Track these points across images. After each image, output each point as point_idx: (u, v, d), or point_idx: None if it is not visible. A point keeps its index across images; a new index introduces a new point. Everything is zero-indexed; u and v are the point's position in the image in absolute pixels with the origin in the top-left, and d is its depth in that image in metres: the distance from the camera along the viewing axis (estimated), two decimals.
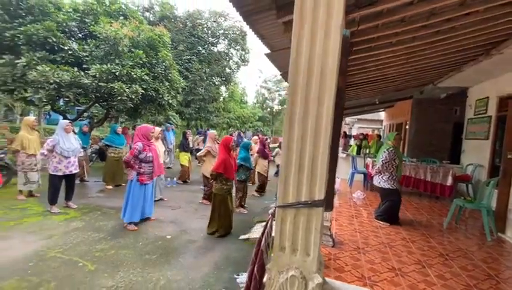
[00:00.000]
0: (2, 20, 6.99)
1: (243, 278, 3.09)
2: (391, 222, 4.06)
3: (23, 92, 7.10)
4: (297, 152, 1.12)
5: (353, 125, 21.06)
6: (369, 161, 6.71)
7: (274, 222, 1.18)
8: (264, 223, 4.75)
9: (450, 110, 7.87)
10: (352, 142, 11.70)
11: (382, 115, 15.73)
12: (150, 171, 4.37)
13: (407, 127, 9.18)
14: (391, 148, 4.09)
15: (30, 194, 5.45)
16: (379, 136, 9.78)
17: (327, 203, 1.17)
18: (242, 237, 4.28)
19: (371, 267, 2.68)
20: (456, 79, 5.89)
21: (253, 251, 1.35)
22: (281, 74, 5.04)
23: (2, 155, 6.17)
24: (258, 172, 7.26)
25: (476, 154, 6.10)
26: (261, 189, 7.30)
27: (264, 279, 1.19)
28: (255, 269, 1.21)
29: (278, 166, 10.27)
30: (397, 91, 7.52)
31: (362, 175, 6.94)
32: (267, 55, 3.81)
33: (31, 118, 5.72)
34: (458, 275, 2.64)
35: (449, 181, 5.48)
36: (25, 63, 6.68)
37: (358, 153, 8.48)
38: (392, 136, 4.25)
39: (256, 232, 4.43)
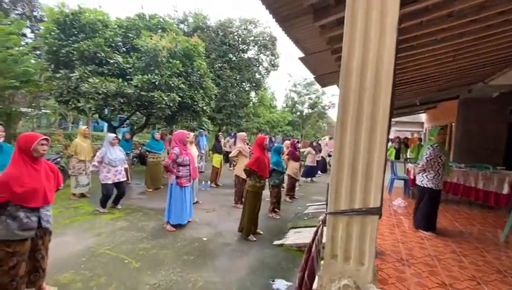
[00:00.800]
0: (58, 39, 7.87)
1: (279, 284, 3.06)
2: (431, 230, 3.78)
3: (76, 102, 7.88)
4: (350, 157, 1.07)
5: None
6: (410, 166, 6.29)
7: (325, 229, 1.15)
8: (298, 229, 4.69)
9: (504, 110, 7.10)
10: (389, 145, 11.10)
11: (423, 116, 14.70)
12: (187, 174, 4.57)
13: (452, 129, 8.46)
14: (435, 144, 3.80)
15: (82, 195, 6.01)
16: (420, 140, 9.15)
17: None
18: (276, 242, 4.25)
19: (418, 281, 2.49)
20: (510, 76, 5.32)
21: (303, 257, 1.33)
22: (314, 77, 4.99)
23: (58, 159, 6.87)
24: (289, 174, 7.15)
25: None
26: (291, 192, 7.20)
27: (314, 286, 1.17)
28: (305, 276, 1.19)
29: (306, 166, 10.08)
30: (440, 91, 6.99)
31: (402, 181, 6.52)
32: (301, 59, 3.80)
33: (83, 127, 6.35)
34: None
35: (505, 189, 4.91)
36: (78, 76, 7.43)
37: (397, 157, 8.00)
38: (436, 131, 3.94)
39: (290, 238, 4.37)
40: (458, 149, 7.62)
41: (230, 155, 6.46)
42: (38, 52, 11.12)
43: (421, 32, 3.06)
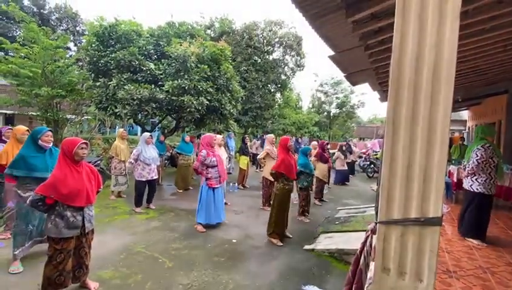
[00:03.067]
0: (98, 50, 8.47)
1: None
2: (480, 239, 3.40)
3: (113, 108, 8.41)
4: (404, 162, 0.99)
5: None
6: (452, 168, 5.79)
7: (374, 239, 1.06)
8: (329, 234, 4.52)
9: None
10: None
11: (464, 114, 13.55)
12: (217, 175, 4.64)
13: (501, 127, 7.66)
14: (487, 144, 3.36)
15: (119, 195, 6.38)
16: (462, 139, 8.42)
17: None
18: (306, 247, 4.13)
19: None
20: None
21: (350, 269, 1.25)
22: (344, 76, 4.80)
23: (99, 161, 7.38)
24: (317, 177, 6.92)
25: None
26: (319, 195, 6.97)
27: None
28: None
29: (336, 172, 9.70)
30: (488, 85, 6.38)
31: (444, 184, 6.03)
32: (331, 57, 3.68)
33: (121, 130, 6.76)
34: None
35: None
36: (115, 84, 7.93)
37: None
38: (490, 129, 3.53)
39: (321, 243, 4.23)
40: (509, 149, 6.86)
41: (258, 157, 6.45)
42: (80, 63, 12.09)
43: (467, 22, 2.79)
